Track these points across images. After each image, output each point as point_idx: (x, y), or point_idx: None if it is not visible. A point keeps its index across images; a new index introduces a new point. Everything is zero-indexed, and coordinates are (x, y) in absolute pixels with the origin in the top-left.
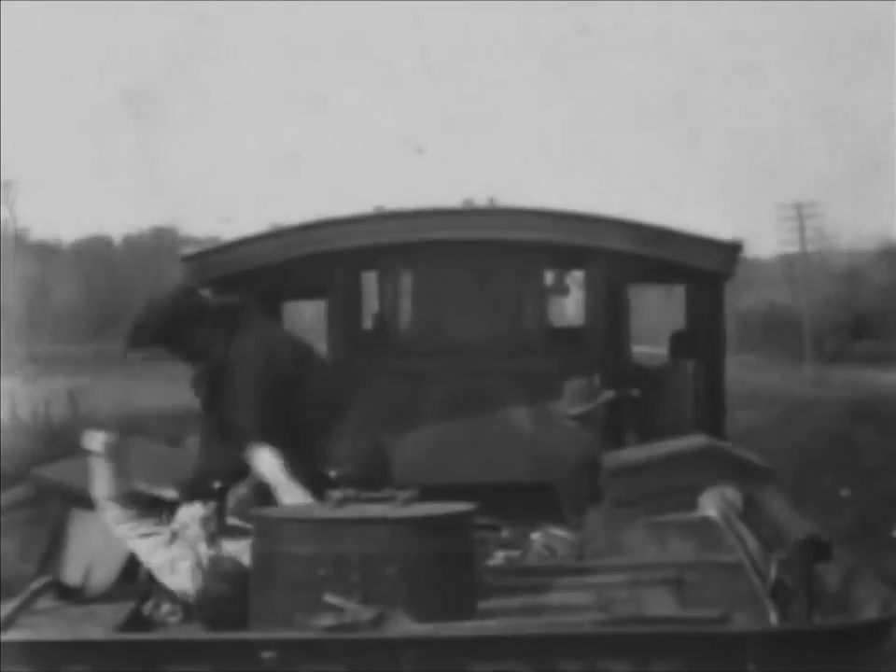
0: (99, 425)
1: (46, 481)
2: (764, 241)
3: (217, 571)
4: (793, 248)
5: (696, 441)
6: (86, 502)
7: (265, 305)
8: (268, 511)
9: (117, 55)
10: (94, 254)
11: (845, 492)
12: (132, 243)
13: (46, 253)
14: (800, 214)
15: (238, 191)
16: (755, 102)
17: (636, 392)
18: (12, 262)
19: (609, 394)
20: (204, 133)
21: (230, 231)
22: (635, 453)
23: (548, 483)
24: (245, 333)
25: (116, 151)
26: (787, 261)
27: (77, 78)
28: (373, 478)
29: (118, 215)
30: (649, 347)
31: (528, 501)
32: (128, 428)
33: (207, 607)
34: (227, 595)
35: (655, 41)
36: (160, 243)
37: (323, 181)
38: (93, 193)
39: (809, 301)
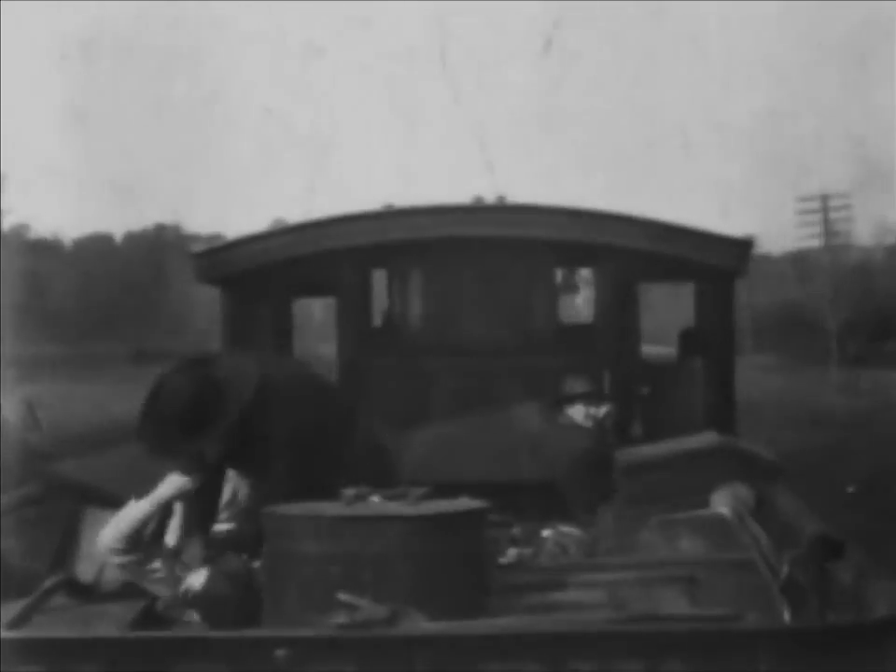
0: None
1: (59, 478)
2: (775, 236)
3: (223, 569)
4: (813, 243)
5: (709, 438)
6: (99, 499)
7: (275, 302)
8: (280, 510)
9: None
10: (95, 251)
11: (851, 489)
12: (133, 240)
13: (45, 251)
14: (825, 206)
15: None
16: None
17: (645, 389)
18: (6, 259)
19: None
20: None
21: (234, 227)
22: (648, 450)
23: (555, 480)
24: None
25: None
26: (800, 257)
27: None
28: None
29: (119, 211)
30: (658, 347)
31: (538, 499)
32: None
33: (208, 605)
34: (229, 595)
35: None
36: (162, 240)
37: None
38: (93, 189)
39: (831, 299)
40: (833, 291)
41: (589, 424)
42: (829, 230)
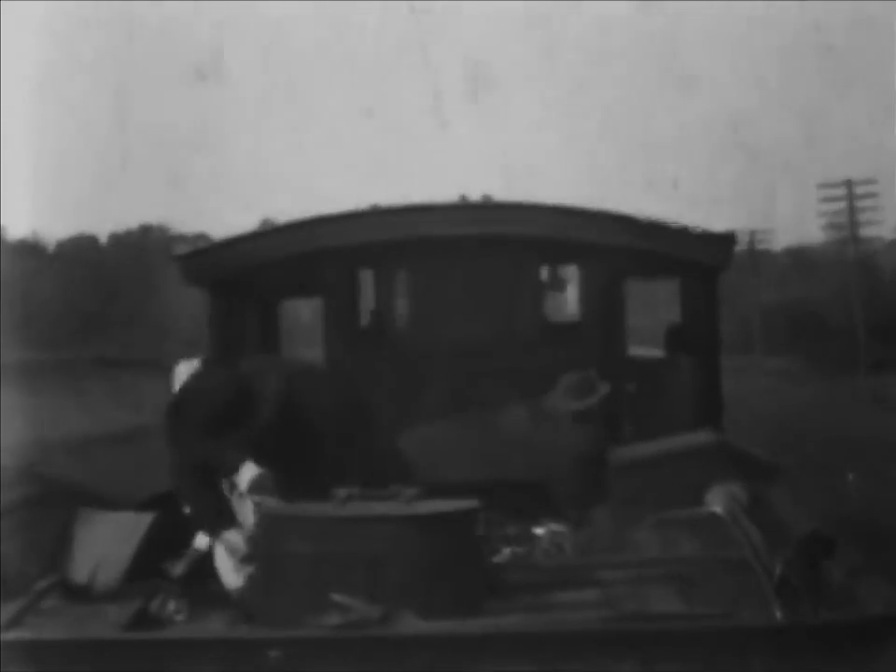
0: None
1: (53, 480)
2: (794, 229)
3: None
4: (836, 234)
5: (704, 437)
6: (93, 501)
7: (262, 304)
8: (274, 510)
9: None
10: (80, 253)
11: (851, 477)
12: (119, 241)
13: (28, 252)
14: (850, 194)
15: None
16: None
17: (632, 387)
18: None
19: (607, 388)
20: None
21: (219, 227)
22: (642, 449)
23: (544, 479)
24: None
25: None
26: (820, 250)
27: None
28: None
29: (104, 211)
30: (645, 349)
31: (527, 497)
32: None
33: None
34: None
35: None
36: (148, 241)
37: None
38: (80, 189)
39: (856, 297)
40: (857, 288)
41: (580, 405)
42: (854, 219)
